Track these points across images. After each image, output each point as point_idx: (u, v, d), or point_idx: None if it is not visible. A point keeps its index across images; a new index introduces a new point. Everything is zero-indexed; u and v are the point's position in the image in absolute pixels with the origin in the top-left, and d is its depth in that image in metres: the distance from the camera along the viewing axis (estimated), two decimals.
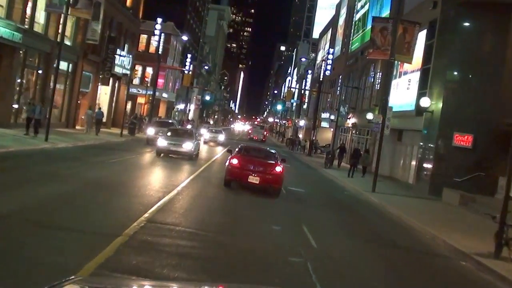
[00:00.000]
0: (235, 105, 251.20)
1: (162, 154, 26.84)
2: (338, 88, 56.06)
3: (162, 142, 26.94)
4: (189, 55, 69.87)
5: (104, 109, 46.47)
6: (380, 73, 41.35)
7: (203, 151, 37.39)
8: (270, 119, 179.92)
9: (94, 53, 40.86)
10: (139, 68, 68.10)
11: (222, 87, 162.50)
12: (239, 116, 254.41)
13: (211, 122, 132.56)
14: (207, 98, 76.22)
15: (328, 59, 52.29)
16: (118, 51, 44.88)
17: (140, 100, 67.83)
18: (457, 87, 27.50)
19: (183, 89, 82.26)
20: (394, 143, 37.16)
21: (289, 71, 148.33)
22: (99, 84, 42.89)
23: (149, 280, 6.12)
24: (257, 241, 10.55)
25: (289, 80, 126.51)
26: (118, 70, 45.46)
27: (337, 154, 39.08)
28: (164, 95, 69.49)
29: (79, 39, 37.64)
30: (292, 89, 63.97)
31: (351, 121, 46.68)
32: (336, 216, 16.86)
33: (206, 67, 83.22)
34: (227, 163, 18.49)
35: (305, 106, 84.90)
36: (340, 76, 56.52)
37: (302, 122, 69.48)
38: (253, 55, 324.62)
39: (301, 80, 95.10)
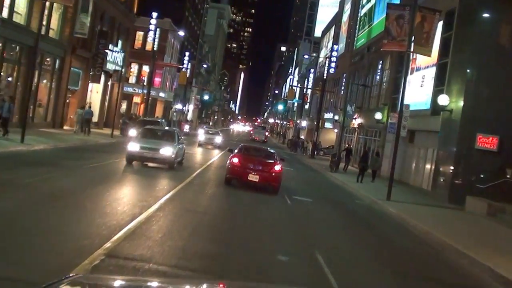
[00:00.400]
0: (235, 106, 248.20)
1: (134, 162, 20.80)
2: (343, 87, 53.17)
3: (133, 146, 20.35)
4: (187, 53, 67.00)
5: (96, 108, 43.72)
6: (389, 70, 38.47)
7: (197, 154, 34.50)
8: (271, 120, 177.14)
9: (83, 48, 38.02)
10: (135, 66, 65.32)
11: (222, 88, 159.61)
12: (239, 117, 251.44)
13: (211, 123, 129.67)
14: (206, 97, 73.11)
15: (332, 56, 49.40)
16: (111, 47, 42.00)
17: (136, 99, 64.89)
18: (480, 84, 24.59)
19: (181, 88, 79.40)
20: (405, 145, 34.24)
21: (290, 71, 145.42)
22: (90, 81, 39.98)
23: (147, 278, 5.79)
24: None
25: (291, 79, 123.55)
26: (110, 67, 42.59)
27: (343, 157, 36.12)
28: (161, 94, 66.62)
29: (67, 33, 34.75)
30: (293, 87, 61.00)
31: (357, 121, 43.78)
32: (353, 235, 13.95)
33: (204, 66, 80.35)
34: (228, 162, 19.13)
35: (307, 107, 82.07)
36: (345, 75, 53.64)
37: (304, 123, 66.58)
38: (253, 56, 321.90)
39: (303, 79, 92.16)
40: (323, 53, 73.69)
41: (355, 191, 25.09)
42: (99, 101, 44.14)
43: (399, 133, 22.04)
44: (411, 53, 32.83)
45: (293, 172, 31.93)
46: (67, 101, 37.76)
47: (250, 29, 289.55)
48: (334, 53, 49.81)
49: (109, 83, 47.99)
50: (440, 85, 27.47)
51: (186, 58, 65.79)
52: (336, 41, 59.91)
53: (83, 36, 35.51)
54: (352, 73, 49.89)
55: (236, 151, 19.78)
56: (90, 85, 42.03)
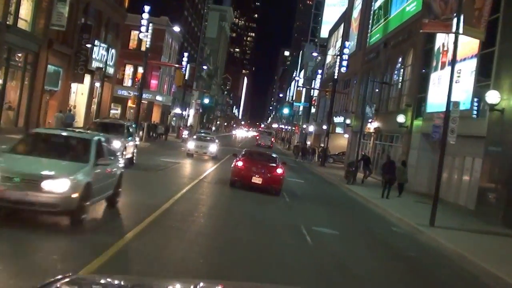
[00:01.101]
0: (238, 111, 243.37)
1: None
2: (354, 88, 48.15)
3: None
4: (185, 54, 62.10)
5: (81, 113, 38.83)
6: (411, 66, 33.42)
7: (183, 169, 26.16)
8: (274, 125, 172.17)
9: (64, 43, 33.14)
10: (130, 68, 60.50)
11: (225, 93, 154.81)
12: (242, 122, 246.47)
13: (213, 128, 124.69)
14: (206, 101, 67.99)
15: (343, 53, 44.36)
16: (97, 43, 37.10)
17: (132, 103, 60.11)
18: None
19: (180, 92, 74.47)
20: (434, 152, 29.14)
21: (294, 75, 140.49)
22: (71, 81, 35.04)
23: (144, 276, 5.59)
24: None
25: (295, 83, 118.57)
26: (97, 65, 37.65)
27: (360, 166, 31.05)
28: (158, 97, 61.72)
29: (41, 25, 29.81)
30: (300, 88, 55.88)
31: (373, 125, 38.69)
32: None
33: (204, 67, 75.48)
34: (232, 165, 19.90)
35: (313, 110, 77.06)
36: (356, 75, 48.60)
37: (311, 128, 61.52)
38: (256, 61, 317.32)
39: (309, 82, 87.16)
40: (331, 53, 68.68)
41: (385, 212, 19.98)
42: (84, 104, 39.18)
43: (446, 139, 16.94)
44: (443, 45, 27.93)
45: (305, 185, 26.92)
46: (45, 103, 32.87)
47: (253, 34, 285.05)
48: (346, 50, 44.77)
49: (98, 84, 43.14)
50: (484, 80, 22.42)
51: (185, 59, 60.84)
52: (346, 39, 54.89)
53: (61, 29, 30.60)
54: (366, 72, 44.84)
55: (240, 155, 20.73)
56: (75, 86, 37.14)
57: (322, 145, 59.96)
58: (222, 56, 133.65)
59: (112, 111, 61.93)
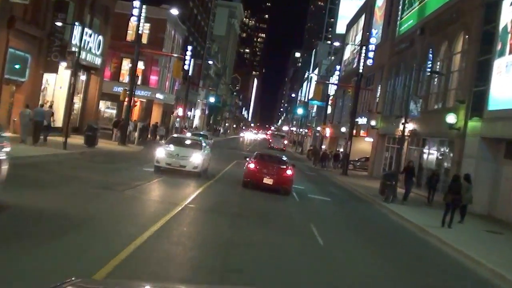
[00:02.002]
0: (248, 113, 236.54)
1: None
2: (380, 84, 41.37)
3: None
4: (189, 47, 55.58)
5: (59, 109, 32.41)
6: (462, 54, 26.61)
7: (167, 185, 17.65)
8: (285, 128, 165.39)
9: (32, 23, 26.71)
10: (127, 62, 54.08)
11: (234, 94, 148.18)
12: (252, 125, 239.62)
13: (221, 130, 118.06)
14: (212, 100, 61.23)
15: (370, 43, 37.60)
16: (78, 27, 30.62)
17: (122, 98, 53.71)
18: None
19: (185, 90, 67.96)
20: (496, 161, 22.46)
21: (306, 75, 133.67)
22: (42, 71, 28.56)
23: (150, 282, 5.29)
24: None
25: (308, 83, 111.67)
26: (82, 56, 31.13)
27: (403, 180, 24.22)
28: (159, 96, 55.23)
29: None
30: (320, 82, 48.60)
31: (408, 127, 31.90)
32: None
33: (210, 63, 68.93)
34: (245, 167, 20.64)
35: (328, 111, 70.22)
36: (383, 69, 41.80)
37: (327, 131, 54.72)
38: (267, 63, 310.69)
39: (324, 80, 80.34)
40: (349, 49, 61.89)
41: (459, 255, 13.18)
42: (64, 100, 32.72)
43: None
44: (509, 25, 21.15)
45: (333, 206, 20.24)
46: (9, 96, 26.50)
47: (264, 35, 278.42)
48: (373, 40, 38.00)
49: (84, 77, 36.76)
50: None
51: (188, 52, 54.35)
52: (368, 30, 48.11)
53: (24, 2, 24.12)
54: (395, 65, 38.06)
55: (252, 158, 21.18)
56: (51, 77, 30.74)
57: (340, 149, 53.29)
58: (231, 55, 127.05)
59: (107, 110, 55.78)
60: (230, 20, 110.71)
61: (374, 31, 40.51)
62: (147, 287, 3.43)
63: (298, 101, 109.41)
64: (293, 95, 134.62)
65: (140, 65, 54.73)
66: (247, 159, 21.32)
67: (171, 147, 21.00)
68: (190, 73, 57.31)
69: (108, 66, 53.82)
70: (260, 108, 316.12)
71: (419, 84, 31.26)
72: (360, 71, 37.43)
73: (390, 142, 37.62)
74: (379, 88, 42.72)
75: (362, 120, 46.72)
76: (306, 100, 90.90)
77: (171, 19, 55.75)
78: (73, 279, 2.82)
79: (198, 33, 74.15)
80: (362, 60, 37.57)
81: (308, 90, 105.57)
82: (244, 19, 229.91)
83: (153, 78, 53.90)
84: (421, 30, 32.52)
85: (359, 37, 57.23)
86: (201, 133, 38.63)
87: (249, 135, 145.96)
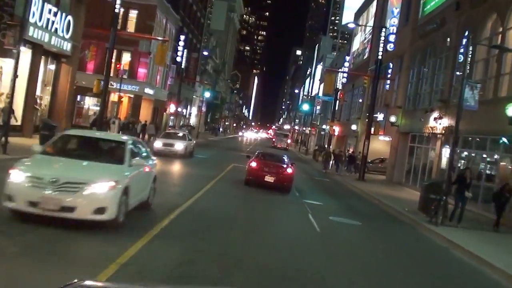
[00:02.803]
0: (248, 112, 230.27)
1: None
2: (401, 74, 35.28)
3: None
4: (182, 36, 49.52)
5: (18, 104, 26.33)
6: None
7: None
8: (286, 126, 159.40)
9: None
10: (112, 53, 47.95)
11: (235, 91, 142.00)
12: (252, 123, 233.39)
13: (221, 129, 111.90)
14: (207, 95, 55.01)
15: (392, 25, 31.46)
16: (40, 4, 24.55)
17: (114, 97, 47.74)
18: None
19: (183, 86, 61.76)
20: None
21: (308, 73, 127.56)
22: None
23: (152, 284, 4.96)
24: None
25: (311, 79, 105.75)
26: (23, 28, 25.04)
27: (456, 193, 17.90)
28: (148, 90, 49.12)
29: None
30: (332, 71, 41.91)
31: (440, 123, 25.81)
32: None
33: (205, 53, 62.60)
34: (247, 166, 20.60)
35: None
36: (402, 57, 35.69)
37: (336, 129, 48.56)
38: (267, 61, 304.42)
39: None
40: (358, 39, 55.77)
41: None
42: (23, 91, 26.66)
43: None
44: None
45: (367, 235, 14.04)
46: None
47: (264, 33, 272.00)
48: (394, 20, 31.83)
49: (53, 66, 30.76)
50: None
51: (181, 43, 48.39)
52: (381, 15, 41.96)
53: None
54: (421, 51, 31.89)
55: (253, 157, 21.50)
56: (9, 62, 24.72)
57: (349, 149, 47.29)
58: (231, 51, 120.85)
59: (93, 108, 49.73)
60: (230, 14, 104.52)
61: (395, 10, 34.22)
62: None
63: (302, 97, 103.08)
64: (296, 90, 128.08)
65: (127, 57, 48.81)
66: (249, 158, 21.76)
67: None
68: (183, 66, 51.31)
69: (92, 58, 47.85)
70: (261, 107, 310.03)
71: (455, 71, 25.13)
72: (379, 57, 31.22)
73: (416, 141, 31.49)
74: (398, 79, 36.59)
75: (378, 116, 40.59)
76: (310, 96, 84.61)
77: (162, 5, 49.70)
78: (75, 281, 2.74)
79: (194, 24, 68.02)
80: (381, 45, 31.39)
81: (311, 86, 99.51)
82: (245, 16, 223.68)
83: (142, 71, 47.81)
84: (457, 4, 26.47)
85: (370, 25, 51.11)
86: (180, 134, 32.95)
87: (249, 135, 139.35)
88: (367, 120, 43.84)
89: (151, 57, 49.02)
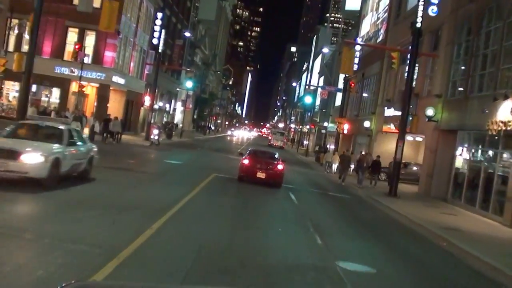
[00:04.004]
0: (242, 110, 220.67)
1: None
2: (441, 51, 26.29)
3: None
4: (160, 14, 40.28)
5: None
6: None
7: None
8: (280, 125, 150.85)
9: None
10: (73, 34, 38.67)
11: (228, 88, 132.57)
12: (246, 122, 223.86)
13: (212, 127, 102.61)
14: (189, 84, 45.36)
15: None
16: None
17: (75, 87, 38.45)
18: None
19: (162, 76, 52.53)
20: None
21: (304, 67, 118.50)
22: None
23: (151, 283, 5.14)
24: None
25: (308, 73, 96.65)
26: None
27: None
28: (118, 79, 39.85)
29: None
30: (349, 42, 32.31)
31: (498, 116, 16.82)
32: None
33: (187, 35, 52.78)
34: (240, 163, 20.55)
35: (338, 102, 55.17)
36: (439, 31, 26.65)
37: (346, 126, 39.41)
38: (261, 59, 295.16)
39: (329, 69, 65.21)
40: (368, 21, 46.78)
41: None
42: None
43: None
44: None
45: None
46: None
47: (258, 29, 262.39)
48: None
49: None
50: None
51: (158, 21, 39.24)
52: None
53: None
54: (473, 18, 22.79)
55: (246, 154, 21.42)
56: None
57: (363, 151, 38.30)
58: (222, 43, 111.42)
59: (46, 99, 40.43)
60: (221, 2, 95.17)
61: None
62: None
63: (299, 92, 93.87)
64: (294, 84, 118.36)
65: (91, 40, 39.47)
66: (242, 155, 21.72)
67: None
68: (162, 51, 42.09)
69: (48, 39, 38.60)
70: (255, 106, 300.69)
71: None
72: (418, 25, 22.06)
73: (470, 141, 22.45)
74: (430, 60, 27.58)
75: (391, 111, 31.61)
76: (310, 86, 75.28)
77: None
78: (73, 282, 2.73)
79: (179, 8, 58.76)
80: (420, 8, 22.25)
81: (308, 81, 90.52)
82: (238, 10, 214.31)
83: (109, 55, 38.54)
84: None
85: (383, 3, 42.15)
86: (53, 126, 11.10)
87: (240, 133, 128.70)
88: (385, 115, 35.00)
89: (121, 38, 39.83)
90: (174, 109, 63.70)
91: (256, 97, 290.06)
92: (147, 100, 40.41)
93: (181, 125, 57.09)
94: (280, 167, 20.25)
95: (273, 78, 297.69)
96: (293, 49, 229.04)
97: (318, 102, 71.51)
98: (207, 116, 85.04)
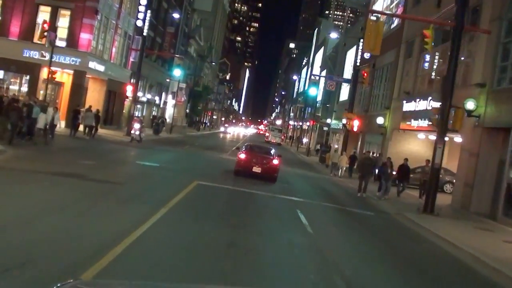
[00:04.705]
0: (239, 106, 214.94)
1: None
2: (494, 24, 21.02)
3: None
4: None
5: None
6: None
7: None
8: (278, 122, 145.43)
9: None
10: (45, 13, 33.24)
11: (225, 83, 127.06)
12: (243, 118, 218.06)
13: (208, 123, 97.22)
14: (177, 73, 39.53)
15: None
16: None
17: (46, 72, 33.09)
18: None
19: (151, 66, 47.17)
20: None
21: (304, 62, 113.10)
22: None
23: (150, 282, 4.89)
24: None
25: (309, 68, 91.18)
26: None
27: None
28: (96, 65, 34.49)
29: None
30: (375, 10, 26.81)
31: None
32: None
33: (175, 16, 47.17)
34: (236, 158, 21.11)
35: (343, 96, 49.95)
36: (478, 9, 21.38)
37: (356, 122, 34.16)
38: (259, 55, 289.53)
39: (333, 61, 59.86)
40: (380, 6, 41.48)
41: None
42: None
43: None
44: None
45: None
46: None
47: (257, 24, 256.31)
48: None
49: None
50: None
51: (143, 1, 33.94)
52: None
53: None
54: None
55: (242, 149, 21.69)
56: None
57: (372, 153, 33.39)
58: (219, 36, 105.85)
59: (13, 87, 35.07)
60: None
61: None
62: (144, 286, 3.30)
63: (306, 81, 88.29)
64: (294, 77, 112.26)
65: (65, 21, 34.08)
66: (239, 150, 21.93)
67: None
68: (146, 33, 36.74)
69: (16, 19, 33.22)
70: (252, 102, 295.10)
71: None
72: None
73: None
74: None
75: (412, 105, 26.43)
76: (313, 75, 69.74)
77: None
78: (70, 280, 2.71)
79: None
80: None
81: (309, 75, 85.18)
82: (236, 4, 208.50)
83: (84, 37, 33.15)
84: None
85: None
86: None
87: (236, 130, 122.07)
88: (403, 110, 29.80)
89: (99, 19, 34.44)
90: (165, 103, 58.34)
91: (253, 94, 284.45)
92: (129, 89, 34.96)
93: (169, 120, 51.67)
94: (275, 162, 20.51)
95: (271, 75, 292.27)
96: (292, 45, 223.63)
97: (319, 97, 66.25)
98: (201, 110, 79.57)
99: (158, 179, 16.06)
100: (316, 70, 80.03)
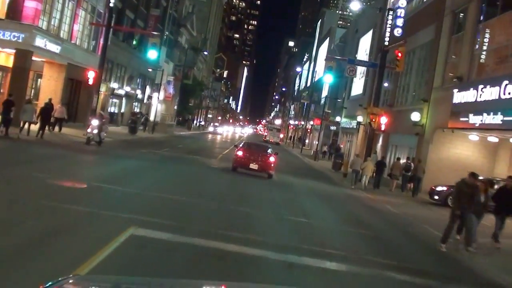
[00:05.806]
0: (237, 105, 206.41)
1: None
2: None
3: None
4: None
5: None
6: None
7: None
8: (277, 121, 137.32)
9: None
10: None
11: (222, 81, 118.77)
12: (240, 117, 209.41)
13: (202, 122, 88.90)
14: (153, 55, 31.18)
15: None
16: None
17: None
18: None
19: (129, 53, 38.90)
20: None
21: (305, 58, 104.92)
22: None
23: (147, 278, 4.45)
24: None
25: (310, 64, 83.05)
26: None
27: None
28: (47, 44, 25.99)
29: None
30: None
31: None
32: None
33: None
34: (234, 155, 21.35)
35: (356, 91, 41.79)
36: None
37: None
38: (257, 54, 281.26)
39: (340, 52, 51.60)
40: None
41: None
42: None
43: None
44: None
45: None
46: None
47: (255, 22, 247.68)
48: None
49: None
50: None
51: None
52: None
53: None
54: None
55: (240, 146, 22.34)
56: None
57: (403, 159, 25.34)
58: (215, 29, 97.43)
59: None
60: None
61: None
62: (141, 282, 3.25)
63: (301, 80, 80.00)
64: (298, 68, 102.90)
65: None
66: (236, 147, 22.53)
67: None
68: (112, 3, 28.49)
69: None
70: (251, 102, 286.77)
71: None
72: None
73: None
74: None
75: (485, 91, 18.32)
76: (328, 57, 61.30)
77: None
78: (70, 276, 2.71)
79: None
80: None
81: (312, 72, 77.12)
82: (234, 0, 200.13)
83: (30, 6, 24.77)
84: None
85: None
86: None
87: (230, 130, 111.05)
88: (454, 102, 21.68)
89: None
90: (150, 97, 50.09)
91: (252, 93, 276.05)
92: (91, 76, 26.62)
93: (152, 118, 43.37)
94: (272, 159, 20.84)
95: (270, 75, 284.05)
96: (291, 43, 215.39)
97: (323, 94, 58.19)
98: (193, 108, 71.17)
99: (54, 224, 7.70)
100: (321, 64, 71.91)
